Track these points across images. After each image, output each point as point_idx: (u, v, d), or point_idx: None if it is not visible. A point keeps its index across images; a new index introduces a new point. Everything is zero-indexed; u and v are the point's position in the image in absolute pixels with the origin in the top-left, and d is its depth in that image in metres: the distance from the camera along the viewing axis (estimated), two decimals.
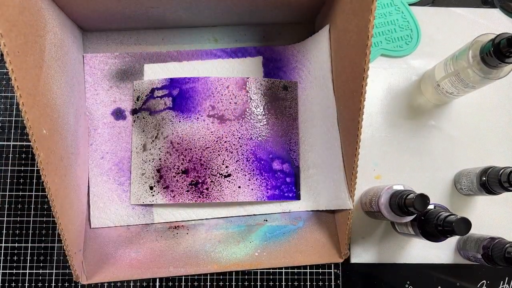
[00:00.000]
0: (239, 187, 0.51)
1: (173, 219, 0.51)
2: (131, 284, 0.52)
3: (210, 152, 0.51)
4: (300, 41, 0.54)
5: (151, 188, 0.51)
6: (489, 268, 0.53)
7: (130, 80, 0.53)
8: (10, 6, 0.35)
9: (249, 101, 0.53)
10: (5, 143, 0.53)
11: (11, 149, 0.53)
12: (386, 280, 0.53)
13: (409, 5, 0.56)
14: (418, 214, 0.45)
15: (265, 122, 0.53)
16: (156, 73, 0.54)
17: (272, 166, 0.52)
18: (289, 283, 0.52)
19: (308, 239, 0.51)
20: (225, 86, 0.53)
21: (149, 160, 0.52)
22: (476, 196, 0.53)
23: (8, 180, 0.53)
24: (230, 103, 0.52)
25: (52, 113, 0.42)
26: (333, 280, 0.52)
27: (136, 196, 0.51)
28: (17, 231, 0.52)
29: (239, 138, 0.52)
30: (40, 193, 0.53)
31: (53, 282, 0.51)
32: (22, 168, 0.53)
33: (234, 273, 0.52)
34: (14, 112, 0.54)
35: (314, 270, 0.53)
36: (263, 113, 0.53)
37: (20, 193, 0.52)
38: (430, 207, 0.47)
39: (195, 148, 0.51)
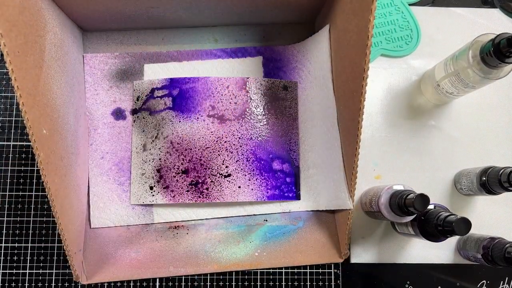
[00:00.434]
0: (239, 187, 0.51)
1: (173, 219, 0.51)
2: (131, 284, 0.52)
3: (210, 152, 0.51)
4: (300, 41, 0.54)
5: (151, 188, 0.51)
6: (489, 268, 0.53)
7: (130, 80, 0.53)
8: (10, 6, 0.35)
9: (249, 101, 0.53)
10: (5, 143, 0.53)
11: (11, 149, 0.53)
12: (386, 280, 0.53)
13: (409, 5, 0.56)
14: (418, 214, 0.45)
15: (265, 122, 0.53)
16: (156, 73, 0.54)
17: (272, 166, 0.52)
18: (289, 283, 0.52)
19: (308, 239, 0.51)
20: (225, 86, 0.53)
21: (149, 160, 0.52)
22: (476, 196, 0.53)
23: (8, 180, 0.53)
24: (230, 103, 0.52)
25: (52, 113, 0.42)
26: (333, 280, 0.52)
27: (136, 196, 0.51)
28: (17, 231, 0.52)
29: (239, 138, 0.52)
30: (40, 193, 0.53)
31: (53, 282, 0.51)
32: (22, 168, 0.53)
33: (234, 273, 0.52)
34: (14, 112, 0.54)
35: (314, 270, 0.53)
36: (263, 113, 0.53)
37: (20, 193, 0.52)
38: (430, 207, 0.47)
39: (195, 148, 0.51)
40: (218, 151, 0.52)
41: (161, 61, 0.54)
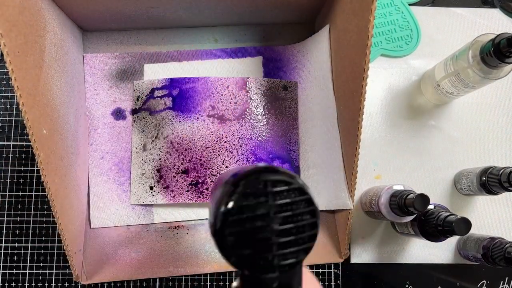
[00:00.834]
0: None
1: (173, 219, 0.51)
2: (131, 284, 0.52)
3: (210, 152, 0.51)
4: (300, 41, 0.54)
5: (151, 188, 0.51)
6: (489, 268, 0.53)
7: (130, 80, 0.53)
8: (10, 6, 0.35)
9: (249, 101, 0.53)
10: (5, 143, 0.53)
11: (11, 149, 0.53)
12: (386, 280, 0.53)
13: (409, 5, 0.56)
14: (418, 214, 0.45)
15: (265, 122, 0.53)
16: (156, 73, 0.54)
17: None
18: None
19: None
20: (225, 86, 0.53)
21: (149, 160, 0.52)
22: (476, 196, 0.53)
23: (8, 180, 0.53)
24: (230, 103, 0.52)
25: (52, 113, 0.42)
26: (333, 280, 0.52)
27: (136, 196, 0.51)
28: (17, 231, 0.52)
29: (239, 138, 0.52)
30: (40, 193, 0.53)
31: (53, 282, 0.51)
32: (22, 168, 0.53)
33: (234, 273, 0.52)
34: (14, 112, 0.54)
35: (314, 270, 0.53)
36: (263, 113, 0.53)
37: (20, 193, 0.52)
38: (430, 207, 0.47)
39: (195, 148, 0.51)
40: (218, 151, 0.52)
41: (161, 61, 0.54)
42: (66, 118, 0.45)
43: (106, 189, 0.51)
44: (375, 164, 0.54)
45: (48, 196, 0.39)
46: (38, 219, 0.52)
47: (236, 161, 0.51)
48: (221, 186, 0.24)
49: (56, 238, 0.52)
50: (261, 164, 0.41)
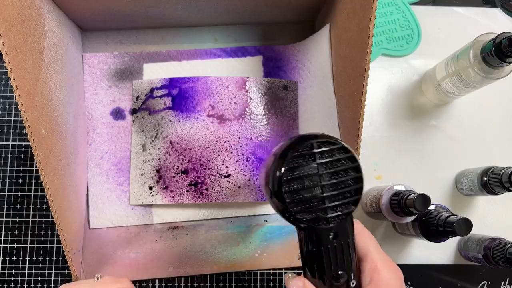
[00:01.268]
0: (239, 187, 0.51)
1: (172, 220, 0.51)
2: None
3: (210, 152, 0.51)
4: (301, 41, 0.54)
5: (150, 188, 0.51)
6: (490, 268, 0.53)
7: (130, 80, 0.53)
8: (9, 6, 0.35)
9: (249, 100, 0.52)
10: (4, 143, 0.53)
11: (10, 149, 0.53)
12: None
13: (410, 4, 0.56)
14: (419, 215, 0.45)
15: (265, 122, 0.52)
16: (155, 72, 0.54)
17: None
18: None
19: None
20: (225, 85, 0.53)
21: (149, 160, 0.51)
22: (477, 196, 0.53)
23: (7, 180, 0.52)
24: (230, 102, 0.52)
25: (51, 113, 0.42)
26: None
27: (136, 197, 0.51)
28: (16, 231, 0.52)
29: (239, 138, 0.52)
30: (39, 193, 0.52)
31: (52, 283, 0.51)
32: (21, 168, 0.53)
33: (234, 273, 0.52)
34: (13, 112, 0.53)
35: None
36: (263, 113, 0.53)
37: (19, 193, 0.52)
38: (431, 207, 0.47)
39: (195, 148, 0.51)
40: (218, 151, 0.51)
41: (161, 61, 0.54)
42: (65, 118, 0.45)
43: (105, 189, 0.51)
44: (375, 164, 0.54)
45: (47, 196, 0.38)
46: (37, 219, 0.52)
47: (236, 161, 0.51)
48: (271, 157, 0.28)
49: (55, 238, 0.52)
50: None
